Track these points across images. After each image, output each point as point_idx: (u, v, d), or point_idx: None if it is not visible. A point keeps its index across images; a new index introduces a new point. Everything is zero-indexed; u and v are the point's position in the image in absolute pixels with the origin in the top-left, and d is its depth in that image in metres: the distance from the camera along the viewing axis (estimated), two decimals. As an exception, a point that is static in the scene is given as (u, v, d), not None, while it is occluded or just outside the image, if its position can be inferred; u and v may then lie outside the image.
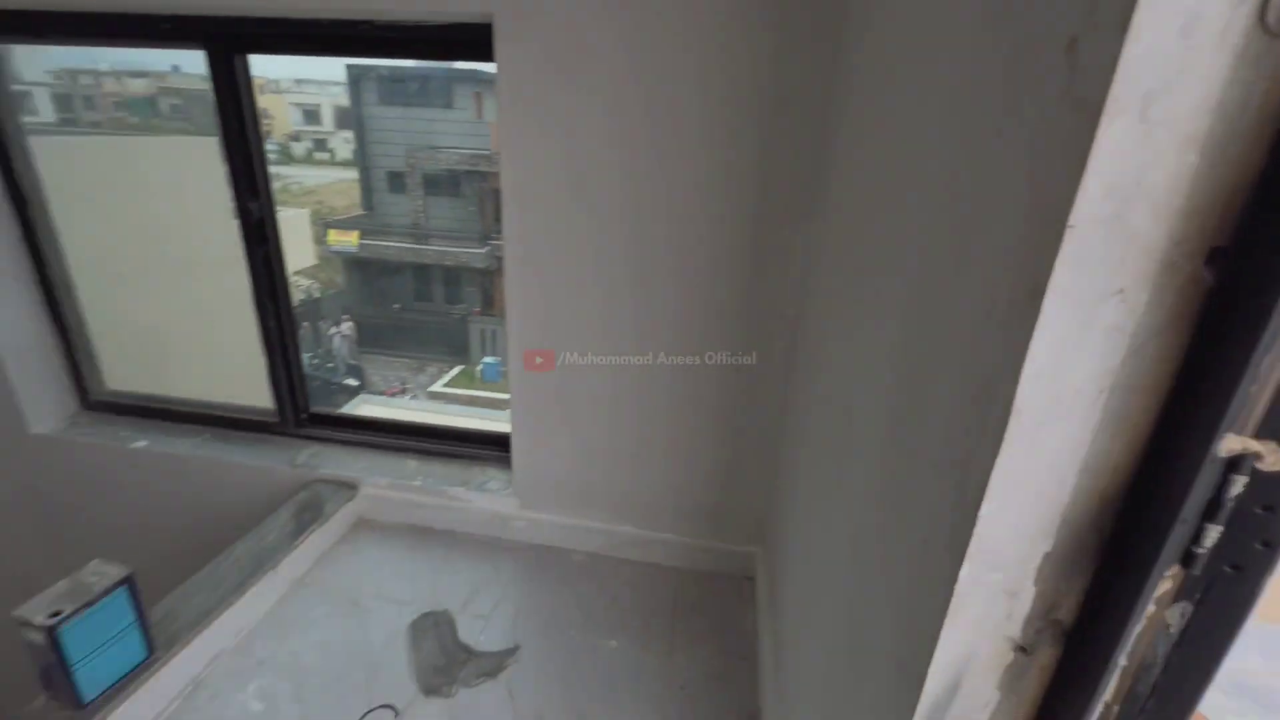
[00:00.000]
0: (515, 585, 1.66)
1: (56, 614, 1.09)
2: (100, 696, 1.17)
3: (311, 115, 23.47)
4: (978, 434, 0.46)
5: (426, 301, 15.46)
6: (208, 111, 1.74)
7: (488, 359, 13.72)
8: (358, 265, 15.93)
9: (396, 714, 1.30)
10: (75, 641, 1.11)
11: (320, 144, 24.34)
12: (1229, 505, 0.40)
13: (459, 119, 14.54)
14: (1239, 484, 0.40)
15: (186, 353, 2.85)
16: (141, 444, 1.97)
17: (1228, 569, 0.42)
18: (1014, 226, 0.45)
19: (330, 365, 13.41)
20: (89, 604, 1.12)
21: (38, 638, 1.08)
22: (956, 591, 0.48)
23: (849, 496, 0.87)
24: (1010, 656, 0.50)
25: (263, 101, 1.80)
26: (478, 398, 11.78)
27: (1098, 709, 0.49)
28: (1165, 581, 0.44)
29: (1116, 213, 0.37)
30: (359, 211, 16.68)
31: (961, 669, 0.51)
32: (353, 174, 17.58)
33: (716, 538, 1.73)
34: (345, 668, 1.39)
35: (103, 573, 1.18)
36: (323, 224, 15.77)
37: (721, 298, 1.48)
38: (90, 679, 1.15)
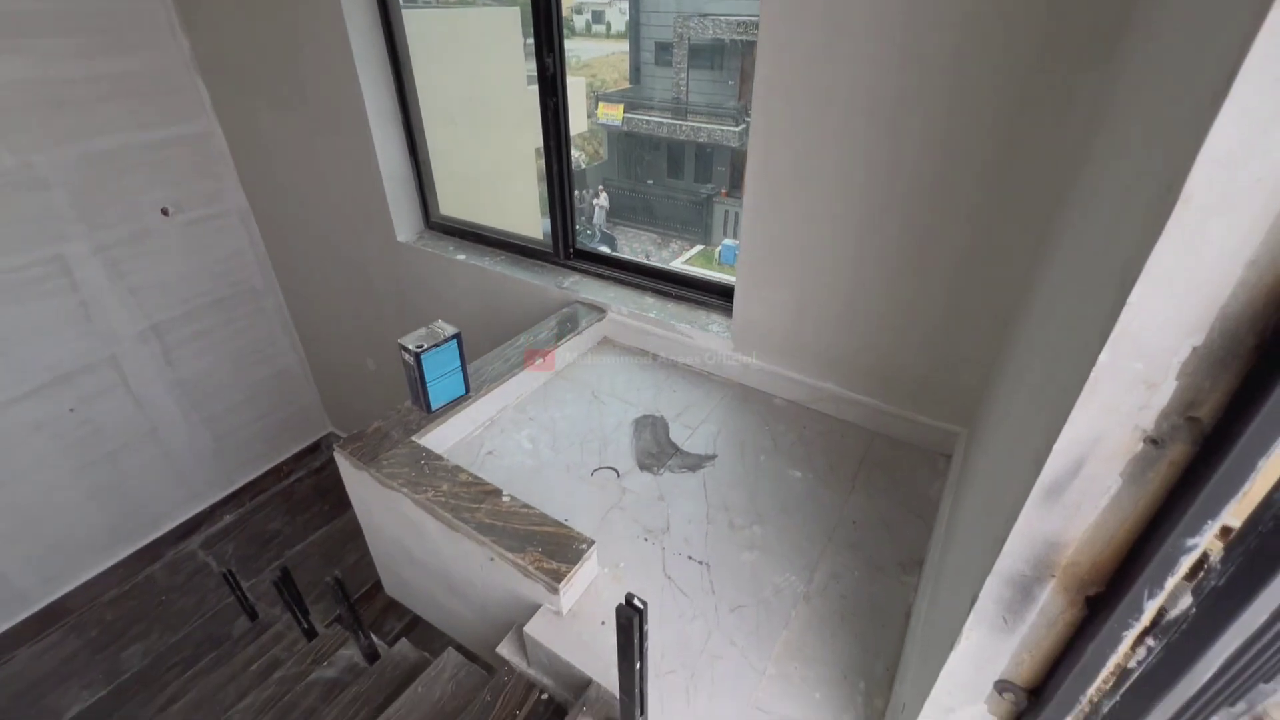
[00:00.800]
0: (720, 411, 1.93)
1: (420, 346, 1.63)
2: (440, 408, 1.74)
3: (592, -15, 24.16)
4: (1143, 222, 0.49)
5: (677, 179, 15.94)
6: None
7: (727, 241, 13.93)
8: (619, 139, 16.86)
9: (619, 475, 1.69)
10: (430, 366, 1.65)
11: (598, 16, 25.24)
12: None
13: (733, -20, 13.81)
14: None
15: (489, 192, 3.54)
16: (461, 257, 2.61)
17: (1402, 375, 0.42)
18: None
19: (588, 231, 14.92)
20: (437, 344, 1.65)
21: (410, 358, 1.64)
22: (1092, 375, 0.54)
23: (1042, 334, 0.87)
24: (1139, 447, 0.55)
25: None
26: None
27: (1227, 510, 0.52)
28: (1329, 389, 0.45)
29: (1344, -21, 0.36)
30: (626, 85, 17.34)
31: (1086, 452, 0.57)
32: (624, 46, 18.12)
33: (920, 410, 1.75)
34: (586, 436, 1.82)
35: (444, 327, 1.70)
36: (594, 97, 16.82)
37: (976, 164, 1.39)
38: (437, 395, 1.71)
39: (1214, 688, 0.84)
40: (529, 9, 2.04)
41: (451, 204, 2.87)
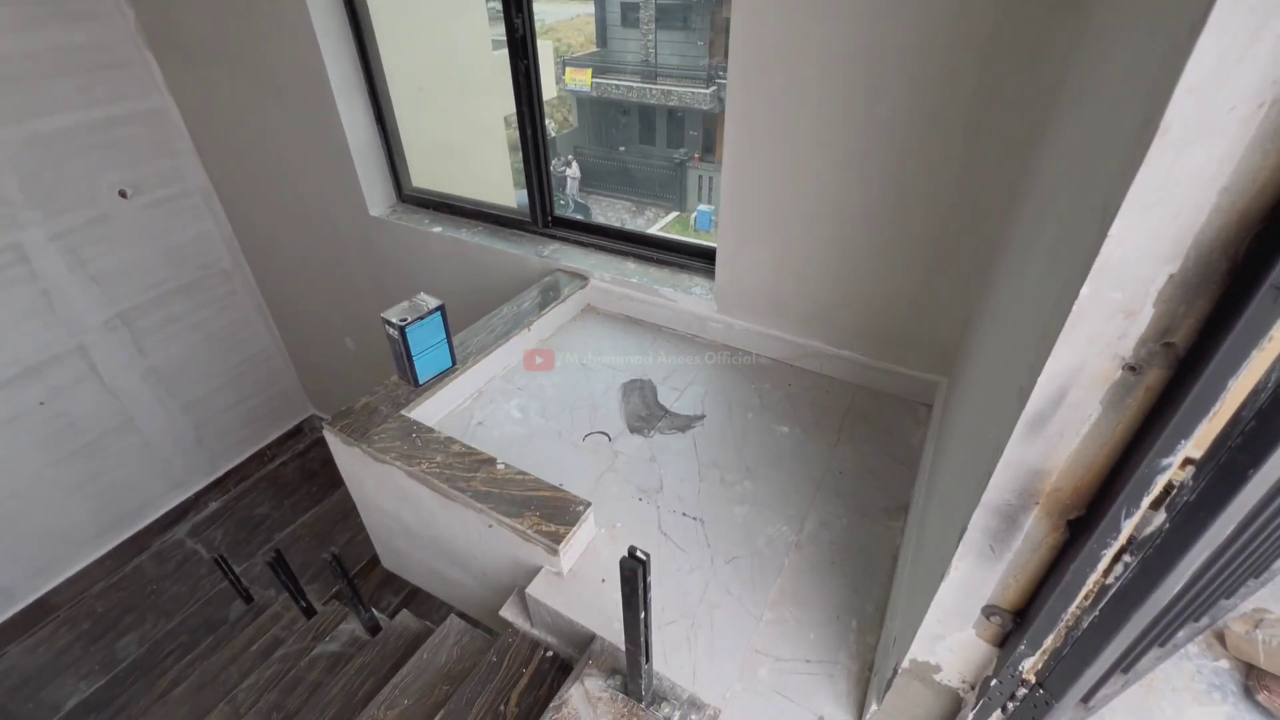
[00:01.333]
0: (706, 372, 1.95)
1: (404, 319, 1.61)
2: (428, 381, 1.73)
3: (555, -56, 23.32)
4: (1121, 157, 0.51)
5: (649, 144, 15.70)
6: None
7: (702, 207, 13.83)
8: (589, 105, 16.50)
9: (610, 439, 1.71)
10: (415, 339, 1.64)
11: (561, -24, 24.43)
12: (1379, 224, 0.42)
13: (698, -64, 13.41)
14: (1396, 201, 0.41)
15: (461, 162, 3.46)
16: (437, 229, 2.56)
17: (1361, 291, 0.44)
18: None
19: (561, 201, 14.70)
20: (421, 317, 1.63)
21: (394, 333, 1.62)
22: (1075, 308, 0.56)
23: (1022, 284, 0.90)
24: (1118, 374, 0.58)
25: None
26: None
27: (1199, 429, 0.56)
28: (1294, 308, 0.47)
29: (1317, -96, 0.38)
30: (593, 49, 16.91)
31: (1069, 381, 0.60)
32: (589, 9, 17.61)
33: (901, 363, 1.79)
34: (575, 402, 1.83)
35: (427, 300, 1.68)
36: (561, 62, 16.38)
37: (951, 113, 1.40)
38: (424, 368, 1.70)
39: (1182, 602, 0.90)
40: (494, -33, 1.97)
41: (423, 175, 2.80)
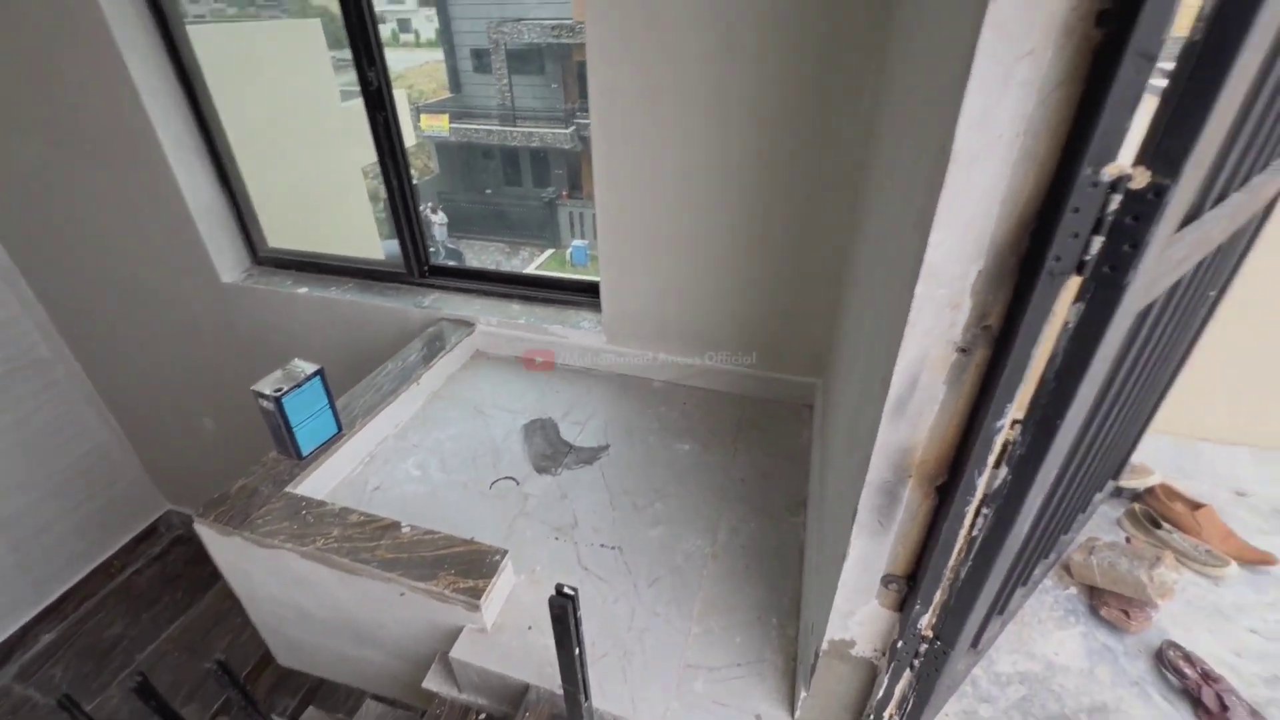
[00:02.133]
0: (604, 403, 1.99)
1: (279, 390, 1.50)
2: (313, 452, 1.62)
3: (393, -8, 23.06)
4: (928, 179, 0.62)
5: (516, 185, 15.75)
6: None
7: (576, 242, 14.04)
8: (450, 150, 16.29)
9: (518, 482, 1.68)
10: (293, 409, 1.53)
11: (404, 24, 24.14)
12: (1109, 219, 0.55)
13: (540, -15, 13.88)
14: (1116, 201, 0.54)
15: (322, 217, 3.29)
16: (303, 290, 2.41)
17: (1106, 269, 0.57)
18: (964, 7, 0.57)
19: (431, 249, 14.25)
20: (298, 385, 1.53)
21: (269, 405, 1.50)
22: (913, 306, 0.67)
23: (875, 286, 1.04)
24: (954, 357, 0.69)
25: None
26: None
27: (1018, 393, 0.68)
28: (1067, 288, 0.60)
29: (1028, -13, 0.50)
30: (447, 95, 16.80)
31: (918, 369, 0.71)
32: (438, 55, 17.52)
33: (780, 369, 1.94)
34: (476, 452, 1.79)
35: (303, 366, 1.58)
36: (415, 109, 16.11)
37: (792, 144, 1.57)
38: (306, 439, 1.59)
39: (1032, 542, 1.05)
40: (332, 20, 1.94)
41: (281, 234, 2.63)
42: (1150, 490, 1.61)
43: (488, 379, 2.12)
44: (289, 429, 1.54)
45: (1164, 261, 0.65)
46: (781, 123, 1.55)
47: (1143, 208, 0.53)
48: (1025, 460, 0.71)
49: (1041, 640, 1.33)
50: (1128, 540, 1.52)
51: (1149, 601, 1.34)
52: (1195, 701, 1.20)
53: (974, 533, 0.79)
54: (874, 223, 1.19)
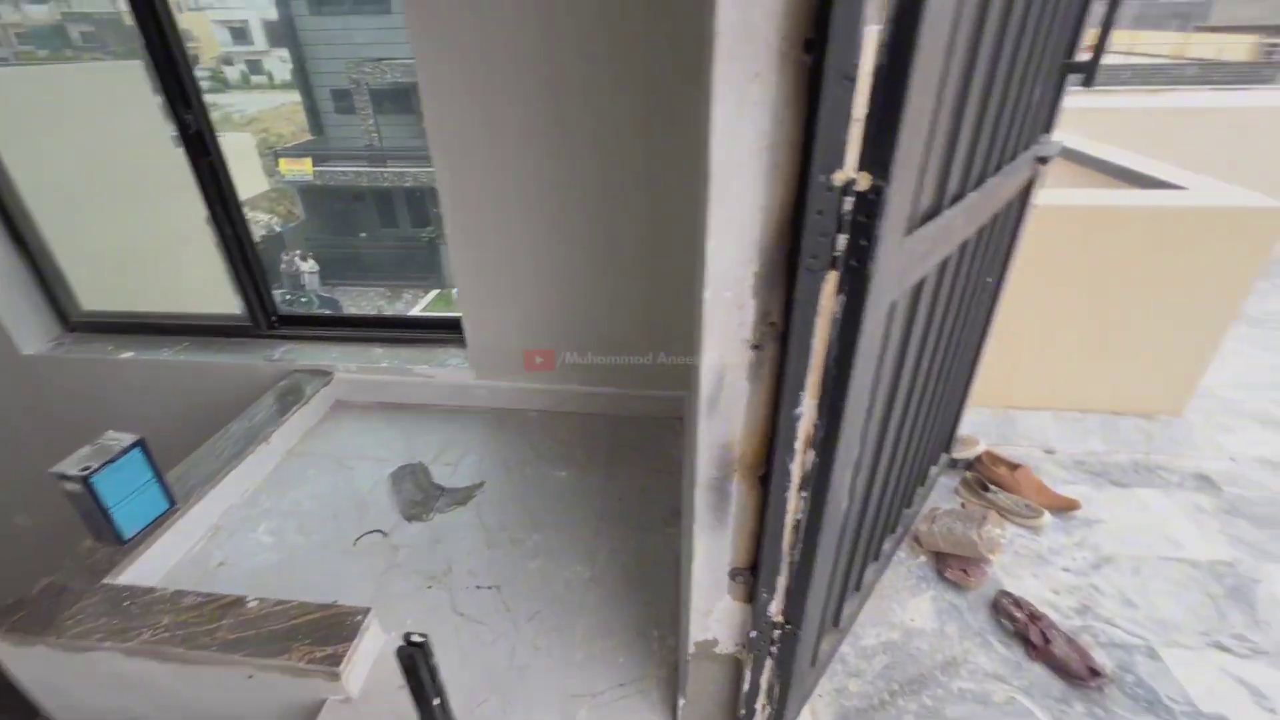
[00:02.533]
0: (478, 440, 1.94)
1: (86, 468, 1.33)
2: (137, 535, 1.44)
3: (240, 34, 21.77)
4: (704, 187, 0.67)
5: (392, 227, 15.17)
6: (123, 36, 1.79)
7: (462, 280, 13.69)
8: (316, 194, 15.44)
9: (385, 534, 1.59)
10: (108, 489, 1.36)
11: (255, 66, 22.80)
12: (846, 219, 0.63)
13: (398, 24, 13.63)
14: (849, 202, 0.62)
15: (154, 271, 2.97)
16: (128, 355, 2.16)
17: (853, 263, 0.65)
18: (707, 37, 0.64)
19: (303, 299, 13.34)
20: (110, 460, 1.36)
21: (76, 487, 1.32)
22: (705, 311, 0.71)
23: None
24: (749, 354, 0.74)
25: (183, 21, 1.84)
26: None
27: (807, 382, 0.74)
28: (828, 283, 0.67)
29: (744, 19, 0.56)
30: (308, 137, 16.01)
31: (722, 368, 0.76)
32: (296, 96, 16.69)
33: (651, 386, 1.99)
34: (338, 508, 1.67)
35: (118, 438, 1.41)
36: (273, 154, 15.23)
37: (631, 169, 1.64)
38: (127, 520, 1.41)
39: (868, 517, 1.13)
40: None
41: (101, 296, 2.35)
42: (978, 458, 1.81)
43: (350, 429, 2.00)
44: (104, 511, 1.37)
45: (908, 253, 0.75)
46: (619, 149, 1.62)
47: (870, 206, 0.61)
48: (825, 442, 0.77)
49: (899, 609, 1.44)
50: (962, 506, 1.69)
51: (983, 558, 1.50)
52: (1026, 640, 1.34)
53: (799, 516, 0.85)
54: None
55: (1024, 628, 1.36)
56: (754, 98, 0.59)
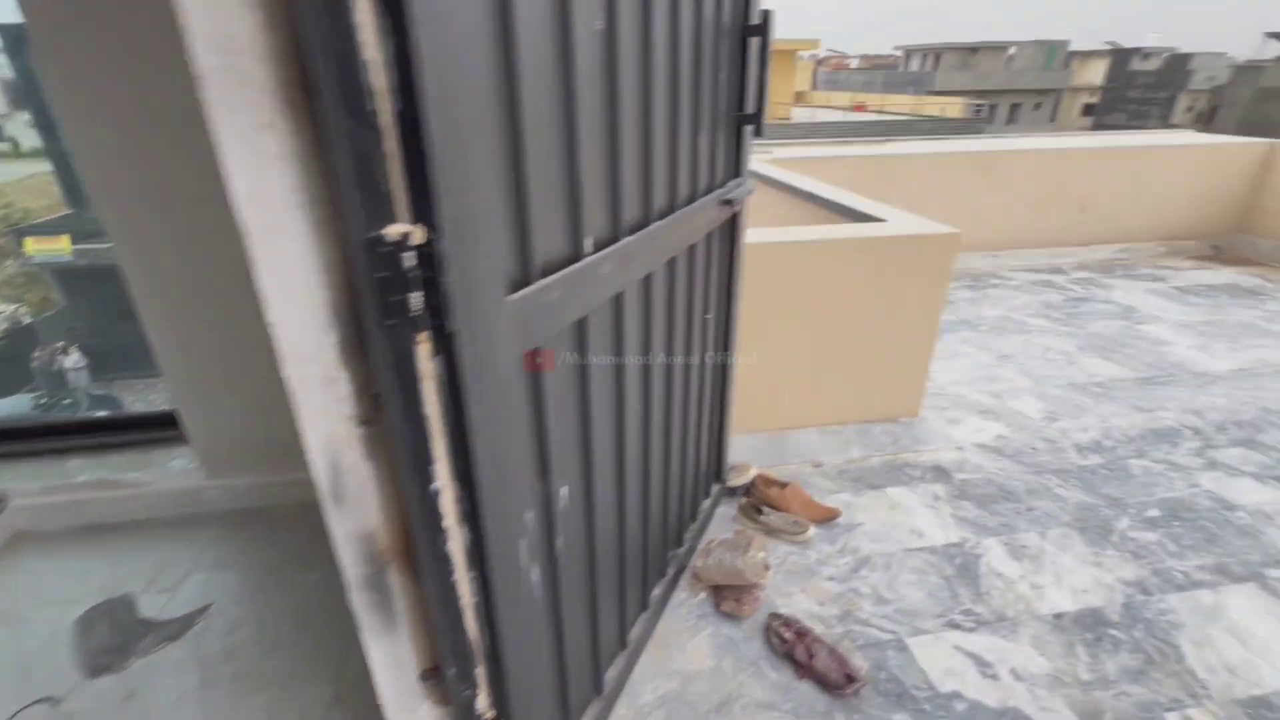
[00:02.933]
0: (210, 554, 1.63)
1: None
2: None
3: (-37, 96, 18.46)
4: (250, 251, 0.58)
5: (182, 307, 13.30)
6: None
7: (274, 359, 12.30)
8: (78, 276, 13.18)
9: (56, 703, 1.25)
10: None
11: (-10, 132, 19.43)
12: (411, 275, 0.57)
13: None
14: (410, 258, 0.56)
15: None
16: None
17: (438, 322, 0.59)
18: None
19: (69, 401, 11.13)
20: None
21: None
22: (291, 389, 0.62)
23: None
24: (360, 430, 0.66)
25: None
26: (268, 402, 10.58)
27: (436, 450, 0.66)
28: (422, 345, 0.60)
29: (228, 64, 0.49)
30: (65, 211, 13.79)
31: (334, 453, 0.66)
32: (47, 166, 14.37)
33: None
34: (-11, 679, 1.29)
35: None
36: (15, 232, 12.94)
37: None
38: None
39: (606, 571, 1.08)
40: None
41: None
42: (753, 482, 1.88)
43: (31, 568, 1.59)
44: None
45: (531, 304, 0.71)
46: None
47: (434, 260, 0.56)
48: (473, 515, 0.70)
49: (679, 654, 1.40)
50: (737, 533, 1.73)
51: (753, 584, 1.52)
52: (793, 660, 1.36)
53: (476, 599, 0.76)
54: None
55: (791, 647, 1.38)
56: (272, 150, 0.52)
